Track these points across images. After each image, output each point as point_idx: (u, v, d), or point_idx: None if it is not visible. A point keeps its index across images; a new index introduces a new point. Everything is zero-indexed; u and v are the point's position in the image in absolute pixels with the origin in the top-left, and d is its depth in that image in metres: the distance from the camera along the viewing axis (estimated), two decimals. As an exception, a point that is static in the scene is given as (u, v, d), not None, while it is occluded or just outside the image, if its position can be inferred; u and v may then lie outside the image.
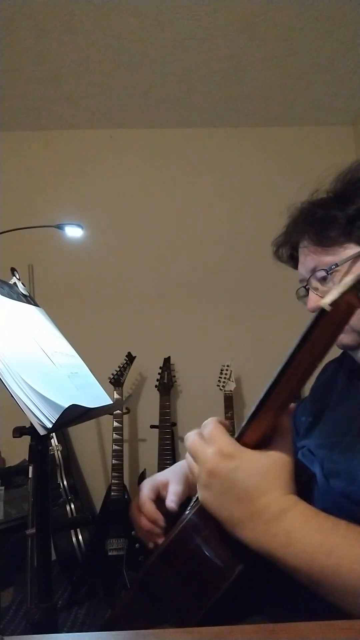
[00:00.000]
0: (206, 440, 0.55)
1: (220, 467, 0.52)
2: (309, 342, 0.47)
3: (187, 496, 0.80)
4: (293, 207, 0.79)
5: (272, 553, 0.51)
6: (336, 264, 0.71)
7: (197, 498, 0.60)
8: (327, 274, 0.72)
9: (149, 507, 0.77)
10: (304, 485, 0.65)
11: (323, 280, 0.73)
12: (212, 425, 0.56)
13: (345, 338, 0.72)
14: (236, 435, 0.56)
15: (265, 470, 0.53)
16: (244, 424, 0.55)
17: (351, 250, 0.70)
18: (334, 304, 0.45)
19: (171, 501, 0.75)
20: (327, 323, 0.46)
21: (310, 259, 0.75)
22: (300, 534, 0.50)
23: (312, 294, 0.75)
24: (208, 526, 0.56)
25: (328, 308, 0.45)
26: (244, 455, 0.53)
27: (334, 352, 0.80)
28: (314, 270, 0.74)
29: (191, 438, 0.57)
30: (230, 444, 0.54)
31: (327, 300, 0.45)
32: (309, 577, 0.50)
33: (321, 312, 0.46)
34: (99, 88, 2.48)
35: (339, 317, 0.46)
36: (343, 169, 0.74)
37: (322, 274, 0.72)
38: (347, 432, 0.68)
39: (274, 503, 0.52)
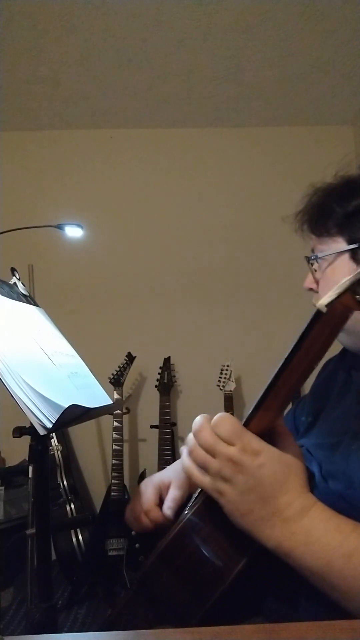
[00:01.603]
0: (227, 438, 0.53)
1: (247, 463, 0.51)
2: (306, 343, 0.47)
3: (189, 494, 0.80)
4: (313, 185, 0.80)
5: (289, 551, 0.50)
6: (316, 255, 0.74)
7: (196, 497, 0.60)
8: (316, 262, 0.75)
9: (156, 515, 0.76)
10: None
11: (315, 263, 0.76)
12: (231, 423, 0.53)
13: (347, 340, 0.73)
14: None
15: (288, 469, 0.53)
16: (244, 420, 0.55)
17: (339, 244, 0.71)
18: (329, 305, 0.44)
19: (168, 508, 0.76)
20: (323, 324, 0.46)
21: (312, 240, 0.78)
22: (320, 533, 0.50)
23: (309, 274, 0.78)
24: (207, 526, 0.56)
25: (324, 309, 0.44)
26: (269, 453, 0.52)
27: (336, 349, 0.80)
28: (312, 251, 0.77)
29: (206, 432, 0.54)
30: (257, 440, 0.52)
31: (323, 302, 0.45)
32: (324, 579, 0.49)
33: (317, 314, 0.46)
34: (99, 88, 2.48)
35: (336, 318, 0.46)
36: None
37: (313, 258, 0.76)
38: (345, 433, 0.68)
39: (295, 501, 0.51)
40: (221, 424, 0.54)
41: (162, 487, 0.80)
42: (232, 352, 2.57)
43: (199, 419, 0.56)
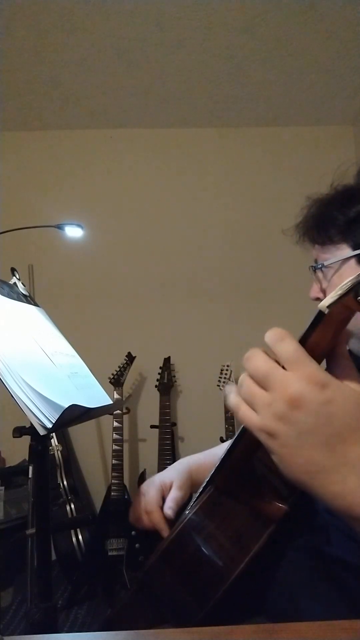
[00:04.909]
0: (285, 362, 0.41)
1: (309, 396, 0.40)
2: (308, 345, 0.47)
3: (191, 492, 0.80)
4: (309, 197, 0.80)
5: None
6: (322, 264, 0.74)
7: (198, 497, 0.60)
8: (321, 270, 0.75)
9: (158, 517, 0.77)
10: None
11: (320, 272, 0.76)
12: (293, 345, 0.41)
13: (351, 344, 0.73)
14: None
15: None
16: None
17: (343, 251, 0.71)
18: (331, 306, 0.44)
19: (169, 508, 0.76)
20: (325, 326, 0.46)
21: (314, 250, 0.78)
22: None
23: (314, 284, 0.79)
24: (209, 526, 0.56)
25: (326, 311, 0.44)
26: (339, 387, 0.41)
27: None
28: (315, 261, 0.77)
29: (258, 357, 0.43)
30: (321, 370, 0.41)
31: (325, 303, 0.44)
32: None
33: (319, 315, 0.46)
34: (99, 88, 2.48)
35: (337, 320, 0.46)
36: None
37: (319, 267, 0.76)
38: None
39: None
40: (283, 341, 0.42)
41: (164, 488, 0.81)
42: (232, 352, 2.57)
43: (251, 349, 0.45)
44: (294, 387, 0.40)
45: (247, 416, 0.43)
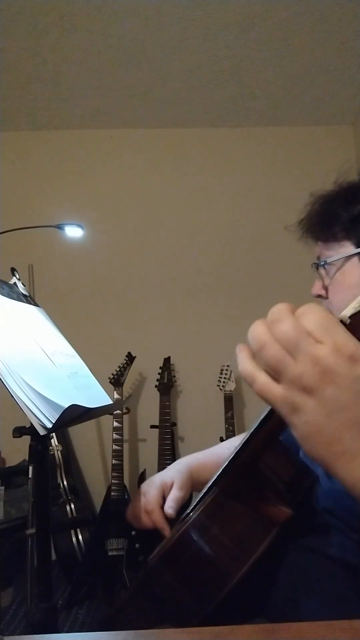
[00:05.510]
0: (315, 332, 0.37)
1: (342, 370, 0.36)
2: None
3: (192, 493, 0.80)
4: (313, 194, 0.80)
5: None
6: (325, 261, 0.74)
7: (201, 498, 0.59)
8: (324, 267, 0.75)
9: (158, 516, 0.76)
10: (308, 488, 0.64)
11: (323, 270, 0.76)
12: (323, 314, 0.38)
13: None
14: None
15: None
16: None
17: (346, 248, 0.72)
18: (353, 317, 0.44)
19: (170, 507, 0.76)
20: None
21: (317, 247, 0.78)
22: None
23: (316, 281, 0.79)
24: (212, 528, 0.56)
25: (347, 321, 0.44)
26: None
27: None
28: (318, 258, 0.77)
29: (288, 321, 0.38)
30: (354, 341, 0.38)
31: (346, 313, 0.44)
32: None
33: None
34: (99, 88, 2.48)
35: (358, 330, 0.46)
36: None
37: (322, 264, 0.76)
38: None
39: None
40: (309, 313, 0.38)
41: (165, 488, 0.81)
42: (232, 352, 2.56)
43: (278, 306, 0.40)
44: (326, 359, 0.36)
45: (268, 387, 0.39)
